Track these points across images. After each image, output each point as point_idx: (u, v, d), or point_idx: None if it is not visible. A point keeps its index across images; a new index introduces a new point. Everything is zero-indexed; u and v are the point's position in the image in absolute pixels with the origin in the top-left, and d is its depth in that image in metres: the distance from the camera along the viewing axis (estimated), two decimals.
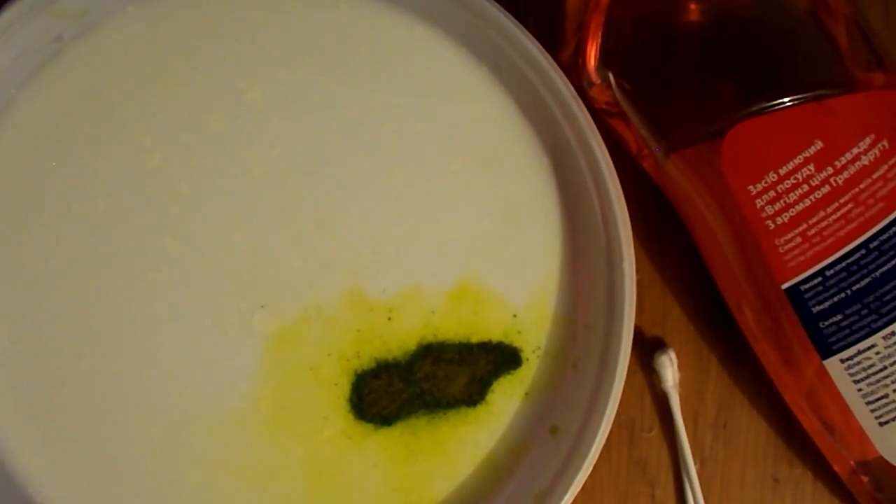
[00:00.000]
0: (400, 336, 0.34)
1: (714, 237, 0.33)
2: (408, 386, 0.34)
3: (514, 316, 0.34)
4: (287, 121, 0.33)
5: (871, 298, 0.31)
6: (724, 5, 0.31)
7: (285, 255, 0.34)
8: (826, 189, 0.30)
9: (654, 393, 0.36)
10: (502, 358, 0.35)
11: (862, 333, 0.31)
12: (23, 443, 0.33)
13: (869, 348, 0.31)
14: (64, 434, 0.34)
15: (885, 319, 0.31)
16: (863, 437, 0.32)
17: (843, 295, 0.31)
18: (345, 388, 0.34)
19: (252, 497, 0.34)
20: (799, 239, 0.31)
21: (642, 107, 0.32)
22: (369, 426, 0.34)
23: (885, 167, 0.30)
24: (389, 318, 0.34)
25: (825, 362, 0.32)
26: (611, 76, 0.32)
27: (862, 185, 0.30)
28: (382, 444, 0.34)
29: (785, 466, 0.36)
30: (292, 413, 0.34)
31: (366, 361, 0.34)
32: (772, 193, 0.31)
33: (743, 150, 0.31)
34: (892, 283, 0.31)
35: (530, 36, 0.32)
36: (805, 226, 0.31)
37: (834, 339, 0.31)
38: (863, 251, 0.31)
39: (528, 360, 0.35)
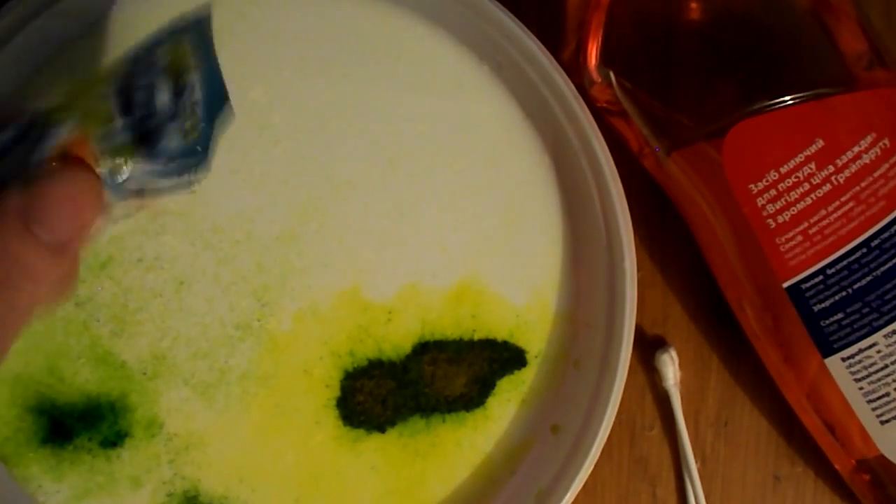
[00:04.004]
0: (398, 336, 0.34)
1: (715, 236, 0.33)
2: (401, 386, 0.34)
3: (517, 316, 0.34)
4: (289, 120, 0.33)
5: (872, 297, 0.31)
6: (725, 4, 0.31)
7: (286, 255, 0.34)
8: (827, 187, 0.30)
9: (656, 391, 0.36)
10: (506, 358, 0.35)
11: (863, 332, 0.31)
12: (25, 439, 0.34)
13: (870, 347, 0.31)
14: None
15: (887, 318, 0.31)
16: (864, 435, 0.32)
17: (844, 293, 0.31)
18: (335, 390, 0.34)
19: (245, 501, 0.34)
20: (800, 237, 0.31)
21: (643, 105, 0.32)
22: (360, 431, 0.34)
23: (886, 166, 0.30)
24: (389, 320, 0.34)
25: (826, 361, 0.32)
26: (612, 75, 0.32)
27: (863, 184, 0.30)
28: (380, 446, 0.34)
29: (786, 465, 0.36)
30: (284, 417, 0.34)
31: (358, 361, 0.34)
32: (773, 192, 0.31)
33: (744, 148, 0.31)
34: (894, 282, 0.31)
35: (531, 35, 0.32)
36: (806, 224, 0.31)
37: (835, 337, 0.31)
38: (864, 250, 0.31)
39: (529, 362, 0.35)
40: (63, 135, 0.21)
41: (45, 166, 0.20)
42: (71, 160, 0.21)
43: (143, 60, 0.23)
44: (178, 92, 0.23)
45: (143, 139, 0.22)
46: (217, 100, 0.23)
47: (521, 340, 0.35)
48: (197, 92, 0.23)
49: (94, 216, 0.21)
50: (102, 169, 0.22)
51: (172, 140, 0.22)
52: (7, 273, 0.19)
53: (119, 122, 0.22)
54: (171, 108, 0.22)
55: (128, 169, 0.22)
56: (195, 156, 0.23)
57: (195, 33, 0.23)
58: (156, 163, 0.23)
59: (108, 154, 0.22)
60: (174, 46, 0.23)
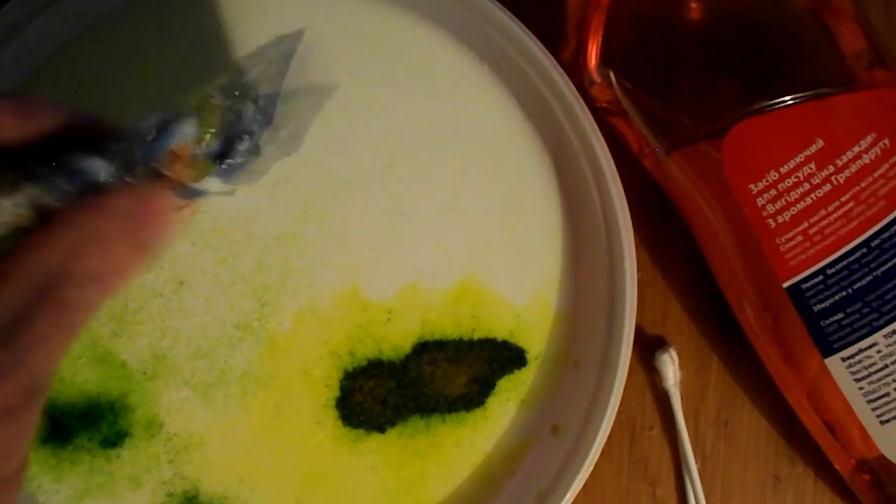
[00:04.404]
0: (398, 336, 0.34)
1: (715, 235, 0.33)
2: (400, 386, 0.34)
3: (517, 316, 0.34)
4: None
5: (872, 297, 0.31)
6: (725, 4, 0.31)
7: (285, 255, 0.34)
8: (827, 187, 0.30)
9: (655, 391, 0.36)
10: (506, 358, 0.35)
11: (863, 332, 0.31)
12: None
13: (870, 347, 0.31)
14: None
15: (887, 318, 0.31)
16: (864, 435, 0.32)
17: (844, 293, 0.31)
18: (335, 390, 0.34)
19: (245, 501, 0.34)
20: (800, 237, 0.31)
21: (643, 105, 0.32)
22: (360, 431, 0.34)
23: (886, 166, 0.30)
24: (388, 319, 0.34)
25: (826, 361, 0.32)
26: (612, 75, 0.32)
27: (863, 184, 0.30)
28: (380, 447, 0.34)
29: (786, 465, 0.36)
30: (284, 417, 0.34)
31: (358, 361, 0.34)
32: (773, 192, 0.31)
33: (744, 148, 0.31)
34: (894, 282, 0.31)
35: (531, 35, 0.32)
36: (806, 224, 0.31)
37: (835, 337, 0.31)
38: (864, 250, 0.31)
39: (529, 362, 0.35)
40: (185, 135, 0.23)
41: (157, 160, 0.23)
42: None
43: (239, 82, 0.24)
44: (255, 113, 0.24)
45: (222, 155, 0.24)
46: (266, 118, 0.25)
47: (521, 340, 0.35)
48: (262, 110, 0.24)
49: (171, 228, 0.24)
50: (191, 175, 0.24)
51: (239, 156, 0.24)
52: (110, 264, 0.22)
53: (215, 141, 0.24)
54: (249, 128, 0.24)
55: (208, 179, 0.24)
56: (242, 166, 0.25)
57: (281, 50, 0.25)
58: (221, 175, 0.24)
59: (197, 163, 0.24)
60: (265, 61, 0.24)
